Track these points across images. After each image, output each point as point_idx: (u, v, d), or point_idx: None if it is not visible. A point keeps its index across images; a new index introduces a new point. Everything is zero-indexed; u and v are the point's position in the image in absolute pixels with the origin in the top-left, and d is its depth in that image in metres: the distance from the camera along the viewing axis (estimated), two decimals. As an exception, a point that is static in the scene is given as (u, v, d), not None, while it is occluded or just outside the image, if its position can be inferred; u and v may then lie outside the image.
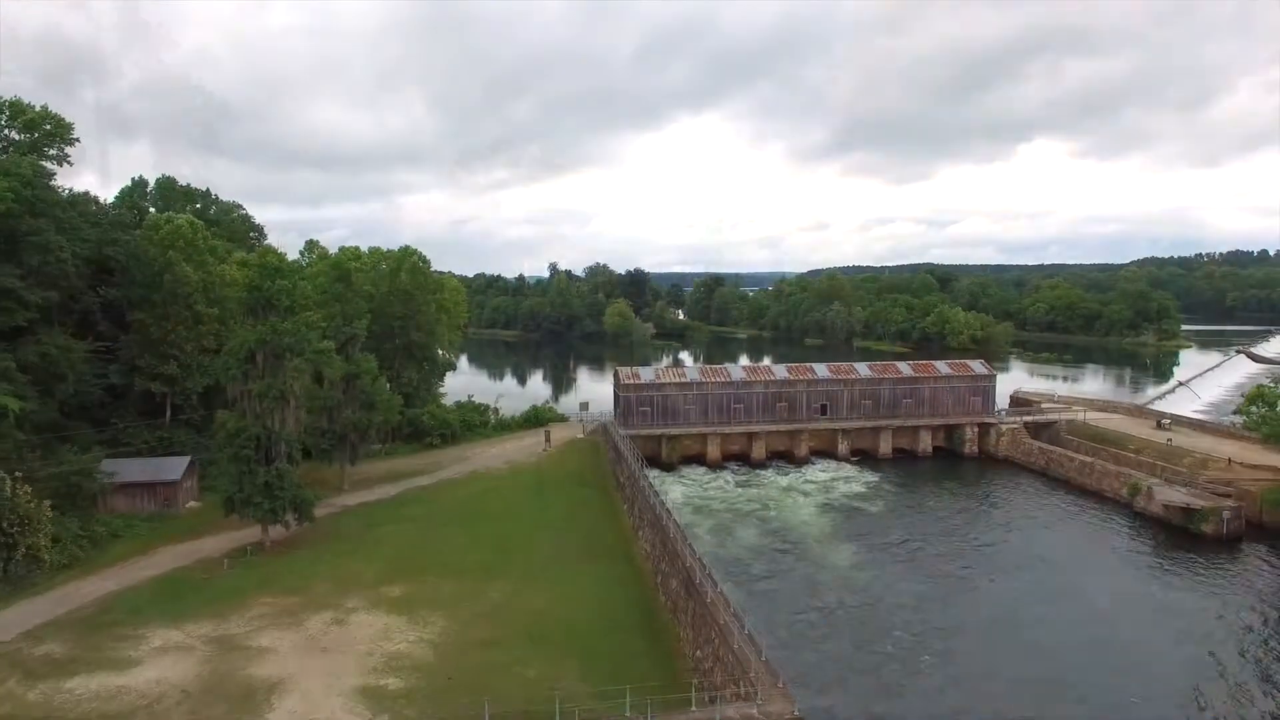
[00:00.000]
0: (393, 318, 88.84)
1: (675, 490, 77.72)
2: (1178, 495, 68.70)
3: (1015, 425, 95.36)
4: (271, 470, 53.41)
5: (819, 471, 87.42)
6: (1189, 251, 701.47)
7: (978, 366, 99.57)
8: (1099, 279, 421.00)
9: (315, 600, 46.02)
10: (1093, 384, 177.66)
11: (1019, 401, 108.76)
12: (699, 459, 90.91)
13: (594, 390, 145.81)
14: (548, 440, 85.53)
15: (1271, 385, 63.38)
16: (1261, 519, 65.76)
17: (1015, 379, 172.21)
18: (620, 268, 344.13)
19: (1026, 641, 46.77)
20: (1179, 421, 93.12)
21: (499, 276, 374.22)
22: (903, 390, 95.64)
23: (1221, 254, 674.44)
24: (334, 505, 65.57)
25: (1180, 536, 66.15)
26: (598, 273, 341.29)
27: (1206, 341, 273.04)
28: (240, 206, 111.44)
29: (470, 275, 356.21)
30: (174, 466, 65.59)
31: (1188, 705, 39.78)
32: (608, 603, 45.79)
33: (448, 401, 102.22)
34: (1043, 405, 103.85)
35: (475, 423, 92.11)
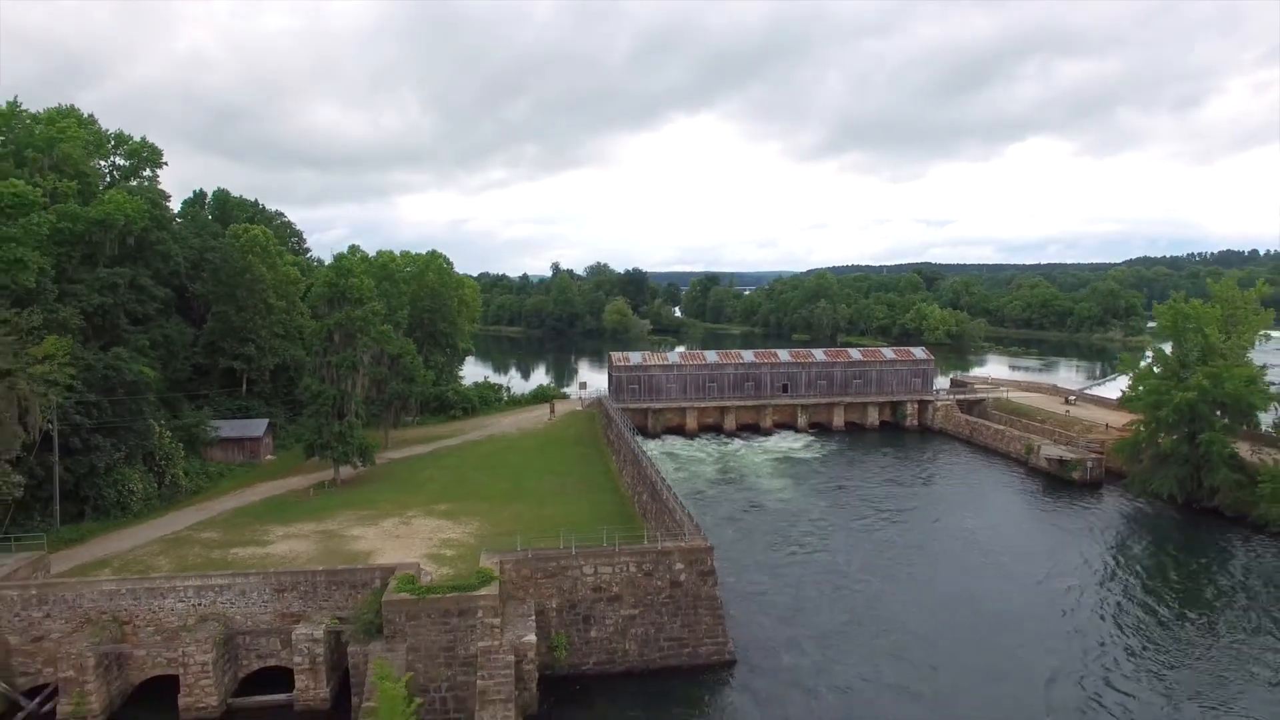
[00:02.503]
0: (422, 310, 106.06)
1: (656, 450, 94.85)
2: (1056, 451, 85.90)
3: (949, 402, 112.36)
4: (344, 423, 70.52)
5: (779, 438, 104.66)
6: (1189, 250, 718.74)
7: (918, 352, 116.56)
8: (1089, 278, 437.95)
9: (384, 512, 63.07)
10: (1065, 374, 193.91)
11: (957, 383, 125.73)
12: (679, 429, 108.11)
13: (592, 378, 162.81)
14: (552, 412, 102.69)
15: (1123, 361, 79.90)
16: (1120, 467, 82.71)
17: (991, 370, 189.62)
18: (621, 267, 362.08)
19: (896, 541, 64.24)
20: (1084, 398, 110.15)
21: (503, 275, 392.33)
22: (853, 372, 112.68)
23: (1213, 254, 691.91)
24: (382, 458, 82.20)
25: (1056, 482, 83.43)
26: (598, 272, 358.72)
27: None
28: (282, 214, 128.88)
29: (474, 274, 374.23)
30: (257, 426, 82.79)
31: (1021, 587, 56.95)
32: (597, 512, 62.80)
33: (465, 384, 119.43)
34: (975, 386, 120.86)
35: (491, 399, 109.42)
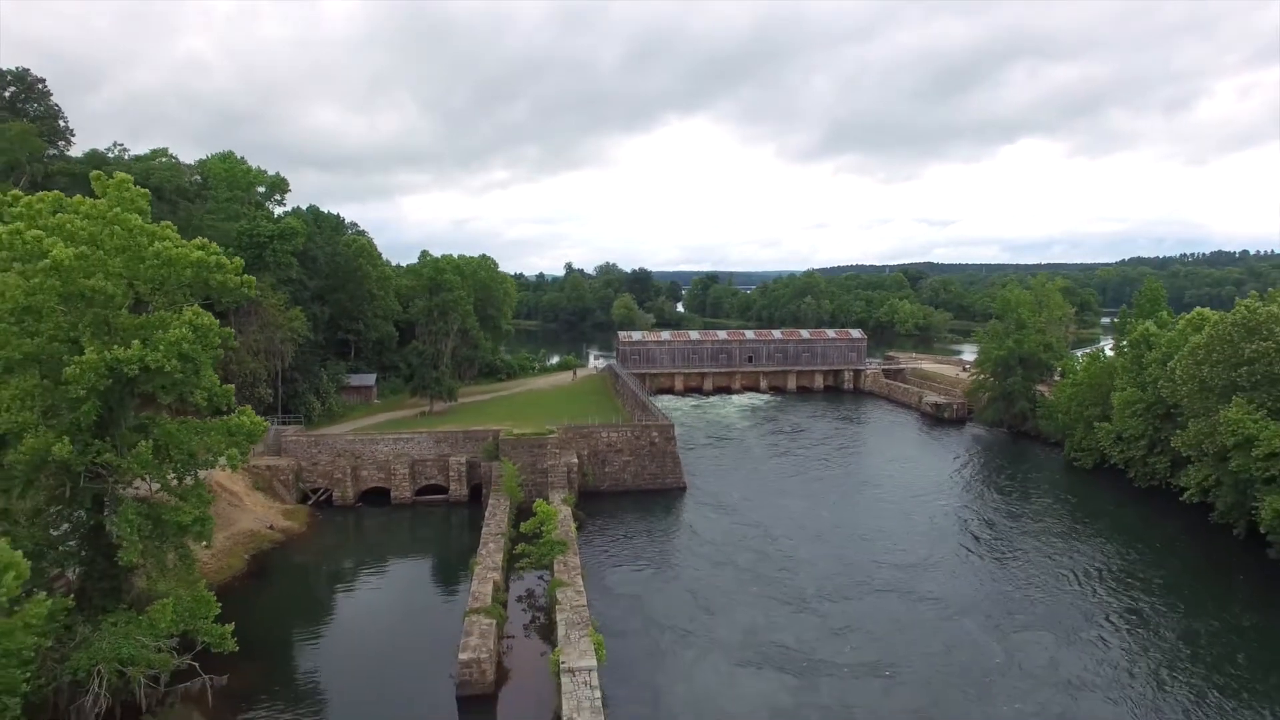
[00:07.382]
0: (476, 299, 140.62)
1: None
2: (935, 399, 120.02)
3: (877, 370, 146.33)
4: (439, 371, 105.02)
5: (744, 397, 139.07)
6: (1193, 250, 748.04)
7: (855, 333, 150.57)
8: (1080, 278, 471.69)
9: (471, 424, 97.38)
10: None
11: (888, 358, 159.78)
12: (669, 390, 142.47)
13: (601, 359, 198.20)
14: (574, 375, 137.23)
15: (977, 335, 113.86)
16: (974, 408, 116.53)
17: (967, 355, 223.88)
18: (628, 266, 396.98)
19: (793, 440, 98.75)
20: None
21: (520, 274, 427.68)
22: (803, 348, 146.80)
23: (1205, 254, 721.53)
24: (455, 404, 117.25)
25: (935, 420, 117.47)
26: (607, 271, 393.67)
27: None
28: (357, 225, 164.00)
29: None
30: (369, 379, 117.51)
31: (873, 470, 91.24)
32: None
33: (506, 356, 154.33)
34: (899, 359, 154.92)
35: (528, 366, 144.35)
